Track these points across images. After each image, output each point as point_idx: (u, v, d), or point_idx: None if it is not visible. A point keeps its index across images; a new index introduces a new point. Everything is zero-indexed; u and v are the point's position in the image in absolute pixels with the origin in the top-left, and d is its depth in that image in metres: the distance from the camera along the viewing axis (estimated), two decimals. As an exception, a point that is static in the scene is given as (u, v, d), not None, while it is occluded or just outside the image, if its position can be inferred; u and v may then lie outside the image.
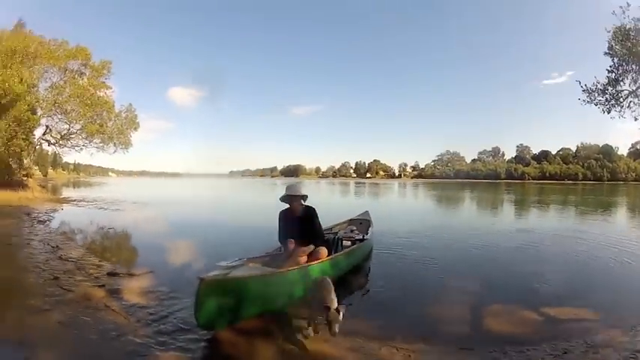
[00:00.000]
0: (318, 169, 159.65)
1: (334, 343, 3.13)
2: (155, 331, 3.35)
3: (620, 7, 9.75)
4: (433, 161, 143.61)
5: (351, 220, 8.01)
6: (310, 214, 5.04)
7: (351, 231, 6.73)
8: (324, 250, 4.87)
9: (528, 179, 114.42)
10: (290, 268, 4.30)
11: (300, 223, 4.91)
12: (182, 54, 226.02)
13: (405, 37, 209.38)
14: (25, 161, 21.80)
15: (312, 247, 4.83)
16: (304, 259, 4.64)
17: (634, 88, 10.48)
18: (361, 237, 6.39)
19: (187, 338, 3.24)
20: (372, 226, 7.46)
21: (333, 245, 5.84)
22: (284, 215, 5.09)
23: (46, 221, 10.68)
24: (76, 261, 5.80)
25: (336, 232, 6.66)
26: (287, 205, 5.07)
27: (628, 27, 9.89)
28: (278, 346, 3.20)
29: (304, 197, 5.08)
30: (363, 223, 7.73)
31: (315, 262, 4.59)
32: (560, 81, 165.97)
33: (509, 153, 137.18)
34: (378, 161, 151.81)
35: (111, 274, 5.06)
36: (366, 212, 8.73)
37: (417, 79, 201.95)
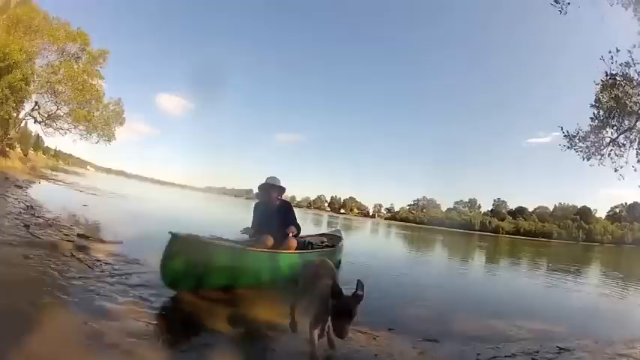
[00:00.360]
0: (292, 198, 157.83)
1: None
2: (118, 281, 3.38)
3: (609, 52, 9.49)
4: (409, 205, 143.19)
5: (322, 234, 8.18)
6: (286, 207, 5.08)
7: (321, 242, 6.83)
8: (294, 242, 4.87)
9: (502, 233, 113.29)
10: (260, 249, 4.37)
11: (275, 215, 4.93)
12: (174, 60, 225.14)
13: (391, 82, 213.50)
14: (11, 132, 21.71)
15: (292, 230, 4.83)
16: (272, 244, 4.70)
17: (615, 136, 10.26)
18: (331, 245, 6.51)
19: (149, 293, 3.26)
20: (343, 240, 7.55)
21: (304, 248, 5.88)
22: (259, 207, 5.12)
23: (23, 187, 10.59)
24: (48, 220, 5.79)
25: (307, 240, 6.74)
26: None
27: (614, 72, 9.69)
28: (239, 319, 3.19)
29: (282, 190, 5.12)
30: (334, 238, 7.82)
31: (285, 251, 4.64)
32: (544, 140, 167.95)
33: (486, 206, 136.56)
34: (354, 199, 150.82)
35: (81, 236, 5.06)
36: (338, 230, 9.00)
37: (401, 124, 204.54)
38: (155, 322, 2.68)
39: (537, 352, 3.42)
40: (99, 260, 3.96)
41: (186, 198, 39.05)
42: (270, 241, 4.70)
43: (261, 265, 4.30)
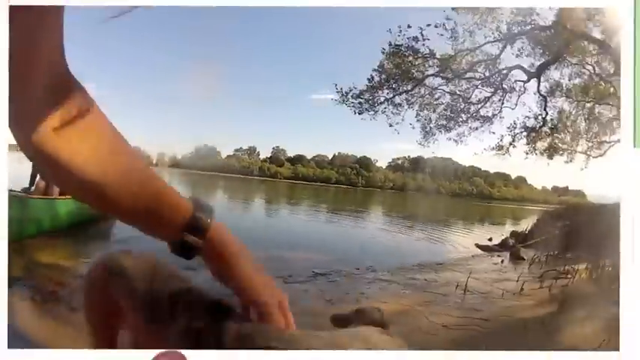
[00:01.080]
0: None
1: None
2: None
3: (399, 26, 10.11)
4: (191, 153, 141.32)
5: None
6: None
7: None
8: None
9: (281, 178, 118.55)
10: (37, 196, 4.63)
11: None
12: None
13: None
14: None
15: None
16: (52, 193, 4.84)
17: (390, 96, 10.92)
18: None
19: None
20: None
21: None
22: None
23: None
24: None
25: None
26: None
27: (400, 44, 10.25)
28: (29, 266, 3.58)
29: None
30: None
31: (62, 197, 4.80)
32: (327, 97, 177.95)
33: (265, 154, 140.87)
34: (138, 148, 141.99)
35: None
36: None
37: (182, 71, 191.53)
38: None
39: (290, 275, 3.74)
40: None
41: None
42: (42, 182, 4.89)
43: (41, 212, 4.48)
